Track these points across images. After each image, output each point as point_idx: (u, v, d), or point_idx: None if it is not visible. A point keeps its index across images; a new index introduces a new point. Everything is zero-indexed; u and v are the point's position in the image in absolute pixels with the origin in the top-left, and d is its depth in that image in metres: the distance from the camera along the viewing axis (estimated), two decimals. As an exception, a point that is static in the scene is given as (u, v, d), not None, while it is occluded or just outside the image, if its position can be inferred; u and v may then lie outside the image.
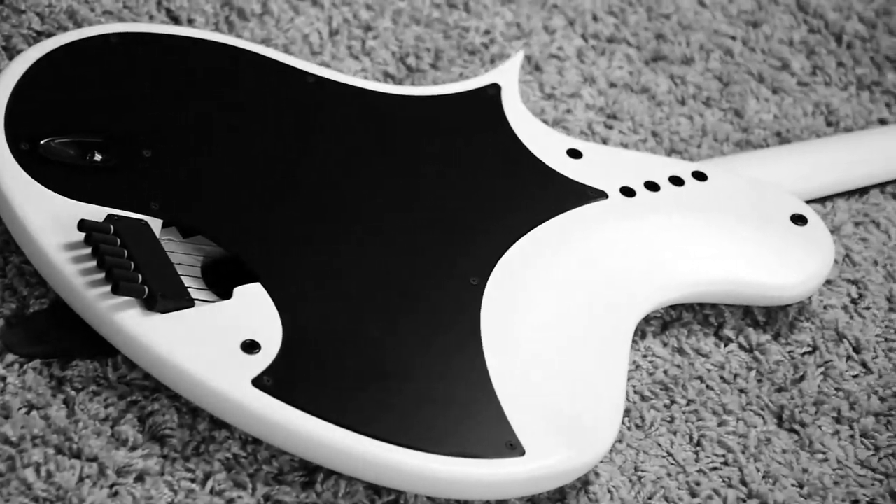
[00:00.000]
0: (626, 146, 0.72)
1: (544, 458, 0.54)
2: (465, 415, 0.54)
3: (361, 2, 0.75)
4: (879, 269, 0.69)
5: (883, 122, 0.77)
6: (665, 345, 0.63)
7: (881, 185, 0.73)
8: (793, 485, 0.59)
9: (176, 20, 0.71)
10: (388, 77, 0.72)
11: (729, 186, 0.66)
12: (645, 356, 0.63)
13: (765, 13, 0.81)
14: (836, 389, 0.63)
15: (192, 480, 0.53)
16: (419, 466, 0.53)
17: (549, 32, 0.77)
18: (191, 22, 0.71)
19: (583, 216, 0.63)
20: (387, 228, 0.60)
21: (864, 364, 0.64)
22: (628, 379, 0.61)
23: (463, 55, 0.74)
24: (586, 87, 0.74)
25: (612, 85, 0.75)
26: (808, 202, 0.70)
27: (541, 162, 0.65)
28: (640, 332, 0.63)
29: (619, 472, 0.58)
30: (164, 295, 0.54)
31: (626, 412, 0.60)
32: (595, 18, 0.78)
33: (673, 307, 0.64)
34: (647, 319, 0.63)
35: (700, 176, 0.66)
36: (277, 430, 0.52)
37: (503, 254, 0.60)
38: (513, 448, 0.53)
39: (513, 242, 0.61)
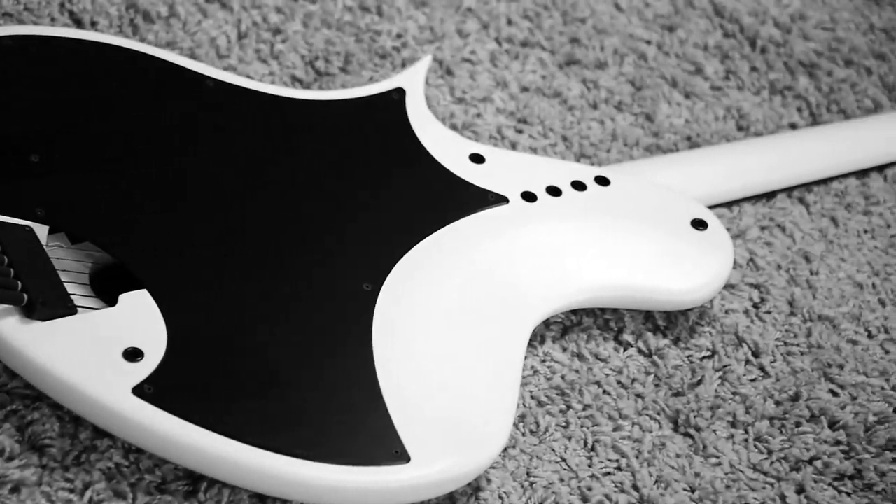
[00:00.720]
0: (535, 151, 0.72)
1: (430, 464, 0.53)
2: (350, 422, 0.54)
3: (272, 5, 0.75)
4: (782, 273, 0.69)
5: (793, 126, 0.77)
6: (564, 350, 0.63)
7: (788, 190, 0.73)
8: (684, 489, 0.59)
9: (79, 23, 0.70)
10: (295, 81, 0.72)
11: (631, 191, 0.66)
12: (543, 361, 0.62)
13: (681, 17, 0.81)
14: (733, 393, 0.63)
15: (71, 490, 0.52)
16: (303, 475, 0.52)
17: (462, 36, 0.77)
18: (94, 24, 0.70)
19: (482, 221, 0.63)
20: (281, 234, 0.59)
21: (762, 368, 0.64)
22: (525, 384, 0.61)
23: (374, 59, 0.74)
24: (498, 91, 0.74)
25: (525, 89, 0.75)
26: (715, 206, 0.70)
27: (442, 166, 0.65)
28: (540, 337, 0.63)
29: (511, 477, 0.57)
30: (45, 302, 0.53)
31: (521, 417, 0.60)
32: (510, 22, 0.78)
33: (574, 312, 0.64)
34: (547, 324, 0.63)
35: (603, 181, 0.66)
36: (157, 439, 0.52)
37: (399, 259, 0.60)
38: (398, 455, 0.53)
39: (409, 248, 0.60)
